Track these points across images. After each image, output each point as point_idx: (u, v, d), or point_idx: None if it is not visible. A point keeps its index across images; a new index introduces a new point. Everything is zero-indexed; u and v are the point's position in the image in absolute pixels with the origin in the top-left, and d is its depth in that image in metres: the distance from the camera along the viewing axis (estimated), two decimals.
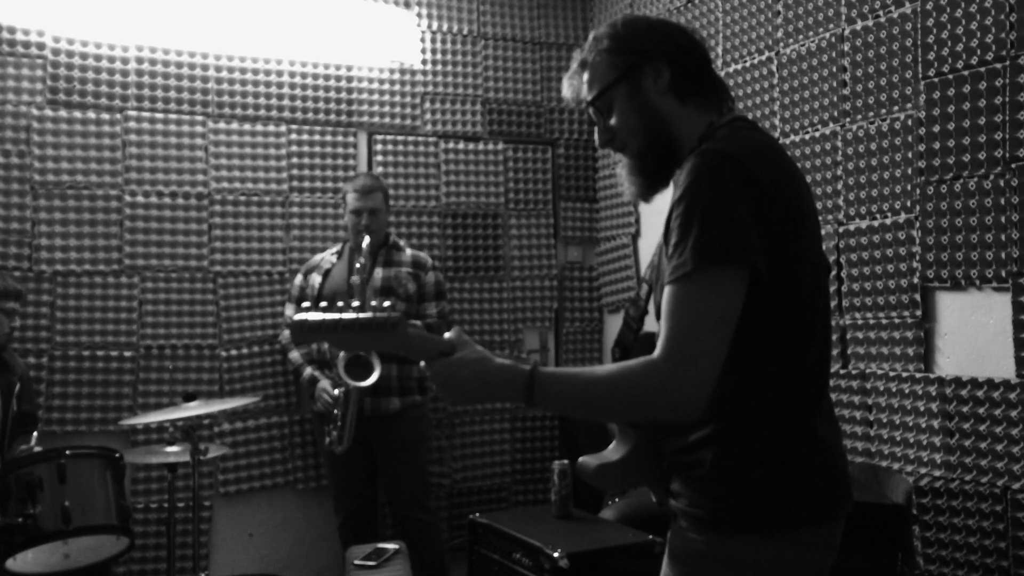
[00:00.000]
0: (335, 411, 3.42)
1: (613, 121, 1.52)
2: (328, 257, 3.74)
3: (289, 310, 3.76)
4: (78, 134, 3.62)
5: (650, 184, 1.53)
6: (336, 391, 3.41)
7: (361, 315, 1.31)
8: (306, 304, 1.36)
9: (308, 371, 3.64)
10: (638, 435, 1.49)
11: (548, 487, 3.44)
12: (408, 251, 3.73)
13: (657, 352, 1.30)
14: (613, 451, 1.50)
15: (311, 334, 1.33)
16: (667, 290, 1.32)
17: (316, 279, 3.67)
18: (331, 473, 3.73)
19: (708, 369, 1.27)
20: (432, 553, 3.60)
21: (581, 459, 1.51)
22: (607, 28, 1.52)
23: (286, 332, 3.78)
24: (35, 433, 3.00)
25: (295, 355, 3.71)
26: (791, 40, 3.30)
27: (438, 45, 4.28)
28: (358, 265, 3.41)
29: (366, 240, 3.47)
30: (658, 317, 1.49)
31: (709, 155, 1.35)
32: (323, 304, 1.34)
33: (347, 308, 1.32)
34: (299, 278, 3.77)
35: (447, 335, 1.39)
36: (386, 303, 1.33)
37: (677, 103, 1.48)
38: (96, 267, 3.63)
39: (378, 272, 3.61)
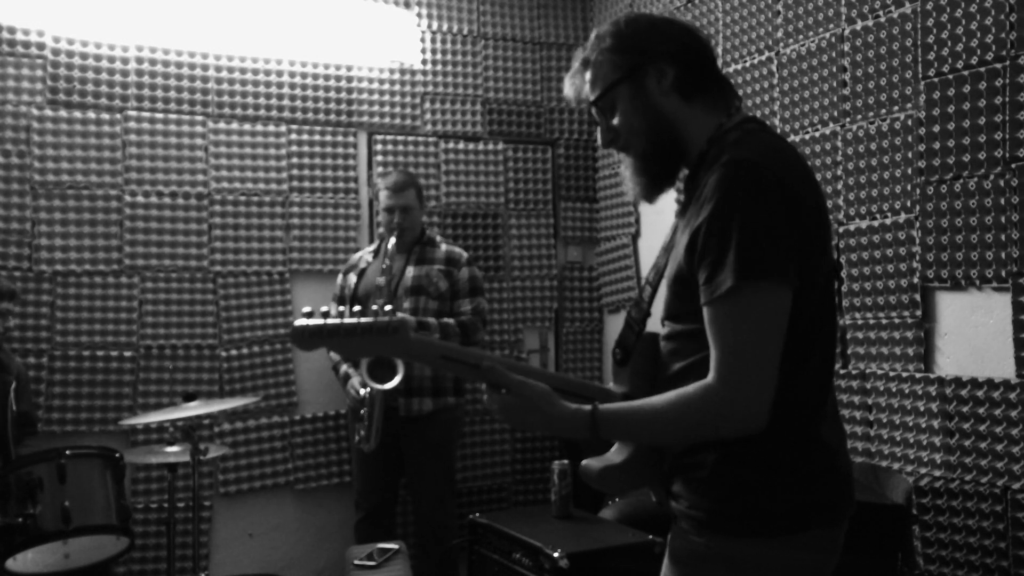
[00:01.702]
0: (362, 410, 3.43)
1: (616, 121, 1.50)
2: (365, 256, 3.73)
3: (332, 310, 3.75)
4: (78, 134, 3.62)
5: (654, 185, 1.52)
6: (363, 391, 3.41)
7: (361, 320, 1.31)
8: (307, 309, 1.36)
9: (344, 368, 3.63)
10: None
11: (548, 487, 3.44)
12: (443, 247, 3.69)
13: (712, 376, 1.31)
14: (615, 454, 1.50)
15: (312, 340, 1.33)
16: (708, 310, 1.32)
17: (352, 279, 3.66)
18: (358, 469, 3.71)
19: (764, 384, 1.29)
20: (439, 552, 3.59)
21: (584, 463, 1.51)
22: (610, 26, 1.51)
23: None
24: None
25: (334, 353, 3.70)
26: (791, 40, 3.31)
27: (438, 45, 4.28)
28: (384, 266, 3.41)
29: (391, 241, 3.47)
30: (662, 320, 1.49)
31: (738, 166, 1.33)
32: (324, 309, 1.34)
33: (349, 313, 1.32)
34: (340, 278, 3.77)
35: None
36: (387, 307, 1.33)
37: (682, 103, 1.47)
38: (96, 267, 3.63)
39: (409, 271, 3.59)
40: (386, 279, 3.39)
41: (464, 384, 3.75)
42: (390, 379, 3.30)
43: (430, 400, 3.56)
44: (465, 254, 3.71)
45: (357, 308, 1.34)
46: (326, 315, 1.32)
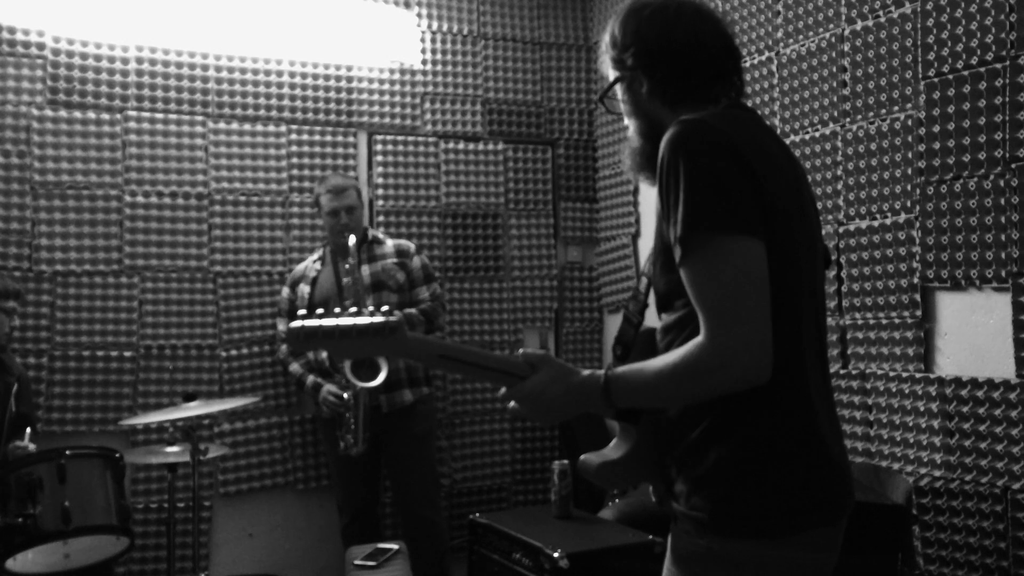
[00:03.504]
0: (347, 414, 3.41)
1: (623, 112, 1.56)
2: (312, 265, 3.70)
3: (282, 325, 3.73)
4: (78, 134, 3.62)
5: (647, 178, 1.55)
6: (345, 394, 3.40)
7: (359, 320, 1.29)
8: (302, 312, 1.34)
9: (311, 379, 3.61)
10: (639, 432, 1.49)
11: (548, 487, 3.44)
12: (389, 242, 3.71)
13: (701, 333, 1.29)
14: (614, 449, 1.50)
15: (308, 341, 1.31)
16: (681, 272, 1.32)
17: (304, 289, 3.63)
18: (338, 474, 3.71)
19: (754, 331, 1.26)
20: (434, 552, 3.59)
21: (583, 457, 1.50)
22: (612, 20, 1.53)
23: (283, 347, 3.74)
24: (28, 430, 2.97)
25: (295, 367, 3.68)
26: (791, 40, 3.31)
27: (438, 45, 4.28)
28: (347, 266, 3.39)
29: (352, 239, 3.42)
30: (659, 310, 1.49)
31: (682, 124, 1.34)
32: (319, 311, 1.33)
33: (344, 313, 1.30)
34: (285, 291, 3.73)
35: (522, 351, 1.42)
36: (384, 307, 1.32)
37: (668, 110, 1.48)
38: (96, 267, 3.63)
39: (365, 269, 3.59)
40: (353, 277, 3.37)
41: (431, 373, 3.76)
42: (375, 376, 3.29)
43: (409, 391, 3.57)
44: (413, 245, 3.73)
45: (353, 309, 1.33)
46: (322, 316, 1.30)
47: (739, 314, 1.26)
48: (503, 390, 1.41)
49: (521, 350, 1.43)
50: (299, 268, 3.76)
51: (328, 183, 3.63)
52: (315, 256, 3.75)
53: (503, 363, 1.40)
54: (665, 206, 1.34)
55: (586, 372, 1.39)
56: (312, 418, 3.94)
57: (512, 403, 1.42)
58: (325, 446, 3.77)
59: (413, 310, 3.57)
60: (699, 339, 1.29)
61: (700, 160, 1.30)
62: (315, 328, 1.30)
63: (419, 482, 3.63)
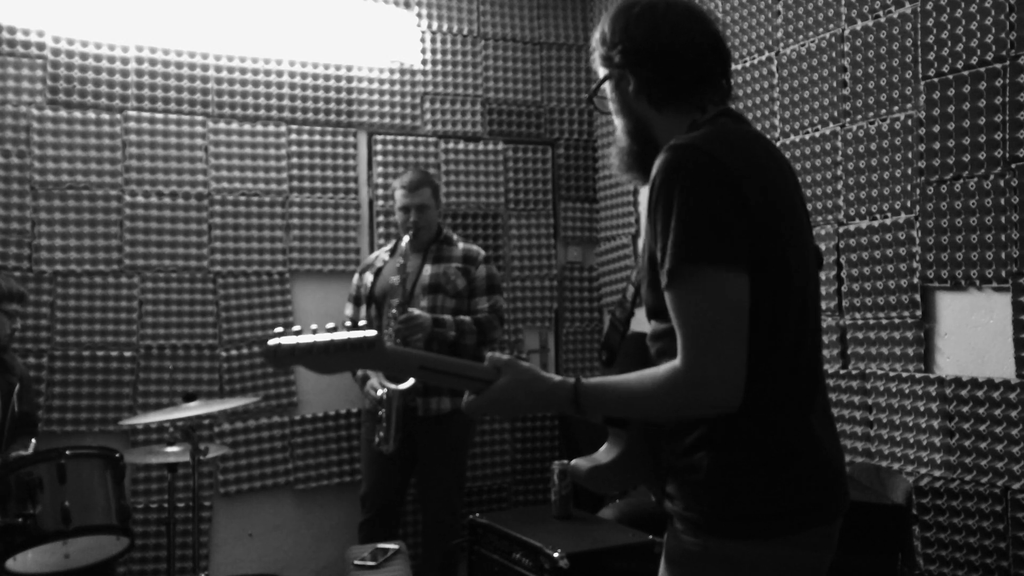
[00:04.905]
0: (380, 412, 3.42)
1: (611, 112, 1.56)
2: (381, 255, 3.72)
3: (348, 310, 3.73)
4: (78, 134, 3.62)
5: (635, 178, 1.57)
6: (380, 392, 3.40)
7: (336, 336, 1.31)
8: (278, 329, 1.36)
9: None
10: (630, 436, 1.49)
11: (548, 487, 3.44)
12: (460, 245, 3.68)
13: (678, 358, 1.31)
14: (605, 453, 1.50)
15: (286, 358, 1.32)
16: (665, 296, 1.34)
17: (368, 278, 3.65)
18: (368, 468, 3.68)
19: (729, 364, 1.28)
20: (441, 552, 3.59)
21: (573, 462, 1.52)
22: (603, 19, 1.54)
23: None
24: (33, 440, 3.00)
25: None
26: (791, 40, 3.31)
27: (438, 45, 4.29)
28: (398, 266, 3.41)
29: (404, 240, 3.45)
30: (648, 318, 1.50)
31: (676, 150, 1.34)
32: (296, 328, 1.34)
33: (321, 329, 1.32)
34: (356, 277, 3.75)
35: (489, 355, 1.43)
36: (361, 322, 1.34)
37: (653, 110, 1.49)
38: (96, 267, 3.63)
39: (427, 269, 3.57)
40: (400, 278, 3.38)
41: None
42: (405, 380, 3.31)
43: (448, 400, 3.53)
44: (482, 252, 3.70)
45: (331, 325, 1.34)
46: (299, 333, 1.32)
47: (717, 347, 1.28)
48: (467, 396, 1.44)
49: (488, 354, 1.44)
50: (371, 256, 3.78)
51: (404, 178, 3.61)
52: (388, 246, 3.77)
53: (475, 371, 1.43)
54: (654, 230, 1.34)
55: (556, 379, 1.41)
56: (358, 411, 3.93)
57: (473, 406, 1.43)
58: (362, 438, 3.75)
59: (467, 318, 3.53)
60: (676, 365, 1.31)
61: (693, 192, 1.30)
62: (291, 346, 1.32)
63: (443, 489, 3.60)
